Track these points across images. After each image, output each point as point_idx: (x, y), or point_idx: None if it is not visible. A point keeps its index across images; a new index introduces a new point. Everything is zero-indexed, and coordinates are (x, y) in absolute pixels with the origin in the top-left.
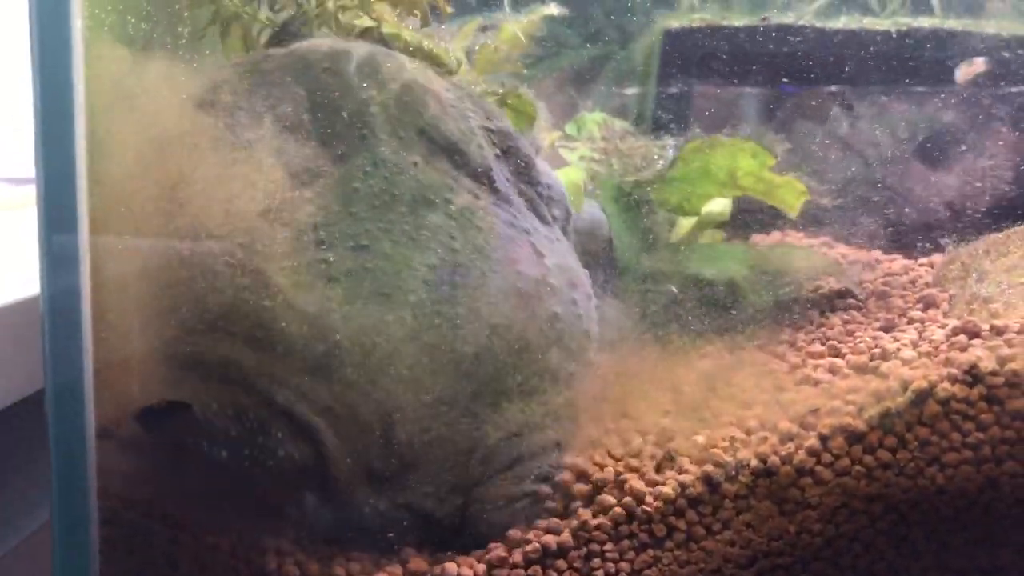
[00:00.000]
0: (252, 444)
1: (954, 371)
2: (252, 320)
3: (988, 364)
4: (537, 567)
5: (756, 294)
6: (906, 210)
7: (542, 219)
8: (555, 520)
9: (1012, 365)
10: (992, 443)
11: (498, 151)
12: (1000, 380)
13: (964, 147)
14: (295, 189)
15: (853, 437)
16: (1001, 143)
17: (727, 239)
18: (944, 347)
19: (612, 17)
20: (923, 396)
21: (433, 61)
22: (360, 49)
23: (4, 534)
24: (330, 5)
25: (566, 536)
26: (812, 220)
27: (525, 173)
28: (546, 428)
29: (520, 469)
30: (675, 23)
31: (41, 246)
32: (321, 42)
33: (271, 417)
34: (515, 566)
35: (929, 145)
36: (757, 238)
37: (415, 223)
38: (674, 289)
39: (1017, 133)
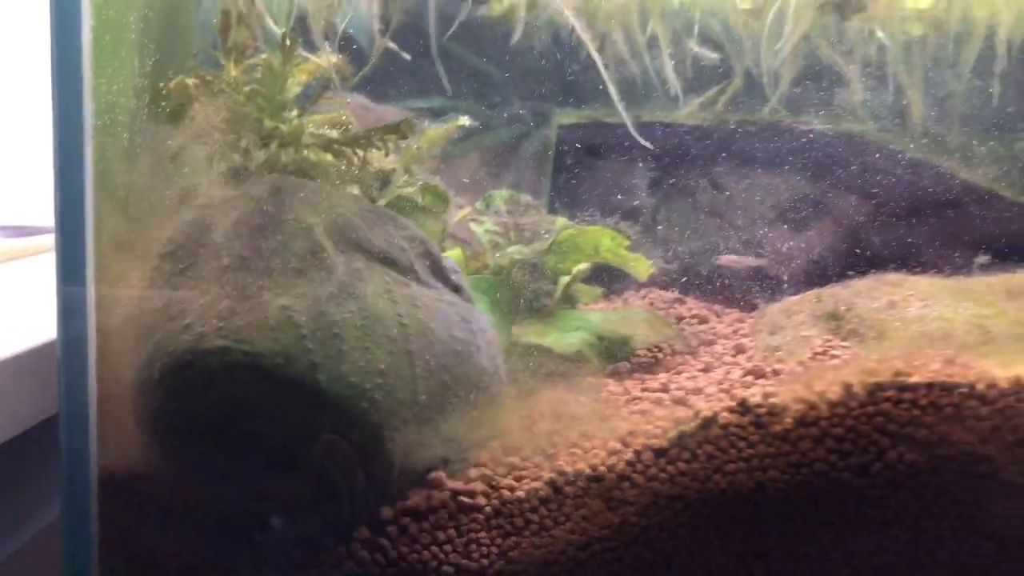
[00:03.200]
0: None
1: (732, 403)
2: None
3: (756, 398)
4: (425, 547)
5: (601, 357)
6: (744, 270)
7: (460, 298)
8: (443, 513)
9: (773, 399)
10: (759, 457)
11: (417, 252)
12: (764, 410)
13: (797, 217)
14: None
15: (659, 452)
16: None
17: (605, 294)
18: (737, 385)
19: (529, 103)
20: (709, 422)
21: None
22: (297, 182)
23: (23, 527)
24: (274, 148)
25: (452, 531)
26: (672, 279)
27: (436, 265)
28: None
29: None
30: (566, 120)
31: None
32: (266, 178)
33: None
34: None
35: (773, 216)
36: (629, 296)
37: (370, 311)
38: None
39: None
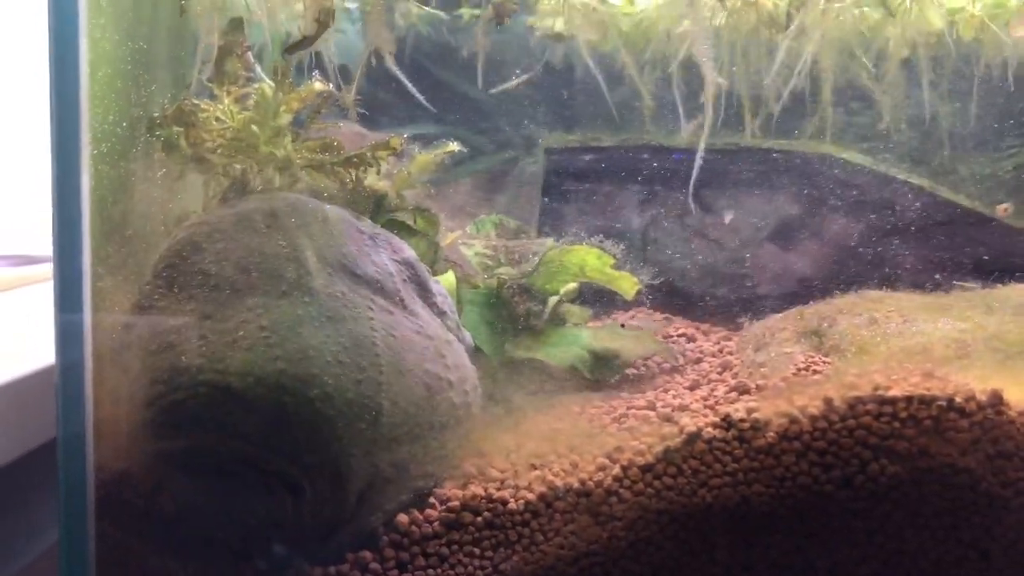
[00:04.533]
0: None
1: (716, 419)
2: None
3: (739, 413)
4: (423, 554)
5: (592, 373)
6: (733, 289)
7: (443, 328)
8: (437, 524)
9: (756, 414)
10: (744, 471)
11: (405, 277)
12: (747, 425)
13: (786, 237)
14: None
15: (645, 467)
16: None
17: (593, 315)
18: (722, 401)
19: (518, 130)
20: (693, 437)
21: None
22: (294, 204)
23: (23, 550)
24: (269, 172)
25: (444, 542)
26: (661, 298)
27: (424, 291)
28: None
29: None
30: (553, 143)
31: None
32: (261, 199)
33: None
34: (413, 542)
35: (761, 237)
36: (618, 315)
37: (347, 338)
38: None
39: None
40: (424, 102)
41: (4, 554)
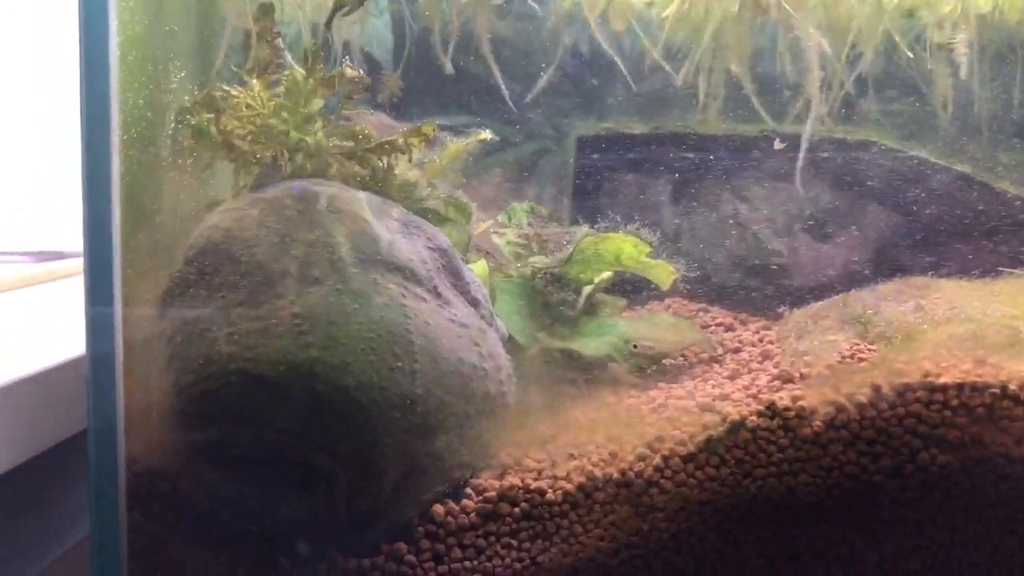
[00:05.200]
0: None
1: (760, 407)
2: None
3: (784, 402)
4: (459, 545)
5: (628, 363)
6: (772, 278)
7: (477, 316)
8: (474, 515)
9: (801, 402)
10: (789, 461)
11: (438, 265)
12: (792, 414)
13: (824, 226)
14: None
15: (687, 457)
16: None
17: (628, 304)
18: (765, 390)
19: (549, 119)
20: (736, 426)
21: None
22: (326, 190)
23: (53, 543)
24: (300, 160)
25: (480, 533)
26: (696, 288)
27: (457, 279)
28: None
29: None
30: (585, 131)
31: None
32: (293, 186)
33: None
34: (449, 533)
35: (798, 224)
36: (653, 304)
37: (380, 325)
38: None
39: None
40: (504, 92)
41: (33, 547)
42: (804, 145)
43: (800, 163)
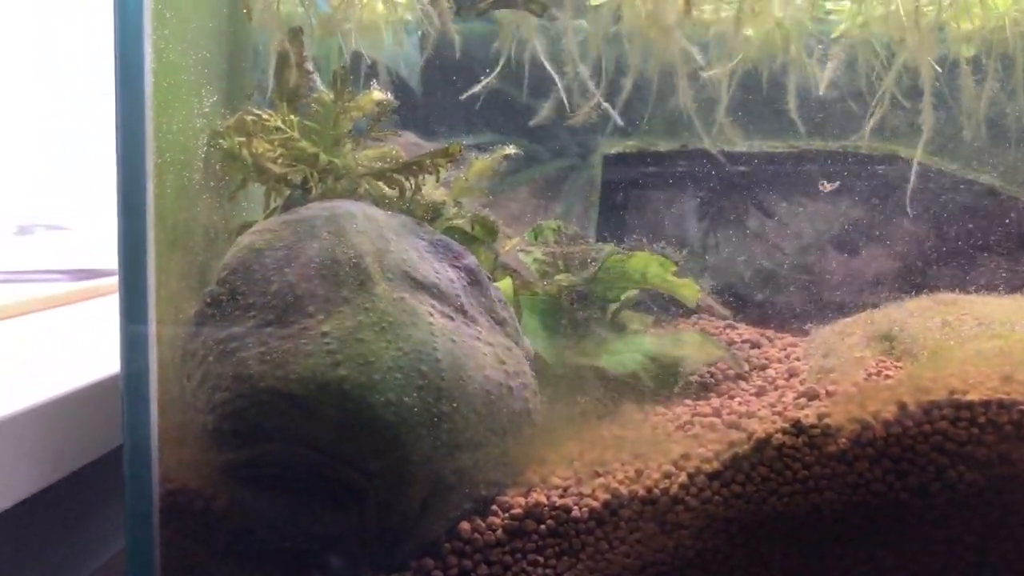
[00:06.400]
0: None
1: (785, 425)
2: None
3: (810, 419)
4: (485, 562)
5: (654, 380)
6: (795, 295)
7: (503, 334)
8: (500, 532)
9: (827, 420)
10: (814, 478)
11: (465, 283)
12: (818, 431)
13: (847, 243)
14: (317, 320)
15: (712, 475)
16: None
17: (655, 321)
18: (791, 407)
19: (575, 137)
20: (762, 444)
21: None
22: (353, 210)
23: (89, 557)
24: (330, 181)
25: (507, 550)
26: (723, 305)
27: (484, 298)
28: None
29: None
30: (611, 149)
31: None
32: (321, 207)
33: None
34: (476, 550)
35: (823, 240)
36: (681, 322)
37: (407, 344)
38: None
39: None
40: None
41: (68, 562)
42: (915, 167)
43: (911, 185)
